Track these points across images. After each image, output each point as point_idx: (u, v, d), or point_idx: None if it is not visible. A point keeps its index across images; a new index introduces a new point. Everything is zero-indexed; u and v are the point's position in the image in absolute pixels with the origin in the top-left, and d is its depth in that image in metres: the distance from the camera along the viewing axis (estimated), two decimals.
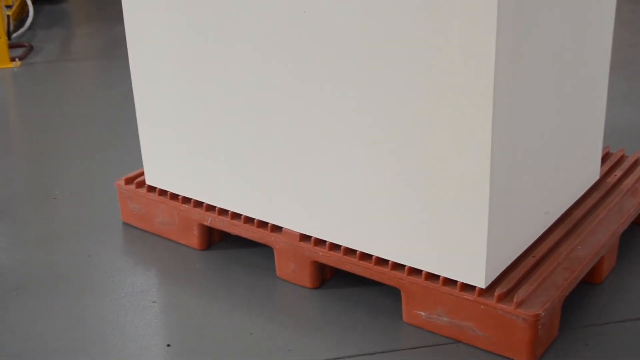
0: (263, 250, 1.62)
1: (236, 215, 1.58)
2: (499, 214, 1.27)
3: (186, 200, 1.65)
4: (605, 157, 1.75)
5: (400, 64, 1.23)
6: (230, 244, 1.67)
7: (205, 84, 1.51)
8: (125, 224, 1.77)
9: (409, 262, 1.36)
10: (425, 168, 1.27)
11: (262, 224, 1.54)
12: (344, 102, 1.33)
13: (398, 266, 1.38)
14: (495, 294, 1.27)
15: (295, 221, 1.48)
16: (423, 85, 1.22)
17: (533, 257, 1.38)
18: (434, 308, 1.34)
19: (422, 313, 1.35)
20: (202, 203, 1.62)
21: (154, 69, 1.59)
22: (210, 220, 1.60)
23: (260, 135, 1.47)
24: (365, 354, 1.31)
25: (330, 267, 1.51)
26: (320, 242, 1.46)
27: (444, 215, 1.28)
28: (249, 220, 1.55)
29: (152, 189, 1.71)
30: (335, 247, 1.45)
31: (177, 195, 1.67)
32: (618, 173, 1.67)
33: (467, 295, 1.29)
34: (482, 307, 1.28)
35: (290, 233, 1.49)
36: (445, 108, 1.21)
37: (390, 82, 1.25)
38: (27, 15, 3.56)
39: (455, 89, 1.19)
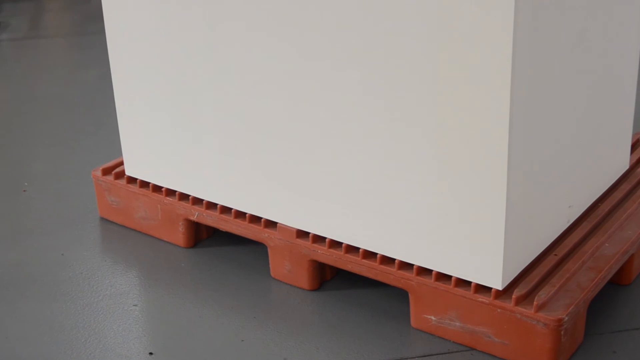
0: (256, 248, 1.62)
1: (226, 210, 1.57)
2: (518, 207, 1.27)
3: (170, 192, 1.65)
4: (635, 145, 1.75)
5: (410, 58, 1.23)
6: (220, 241, 1.67)
7: (191, 65, 1.51)
8: (103, 219, 1.77)
9: (417, 261, 1.36)
10: (436, 157, 1.27)
11: (255, 219, 1.54)
12: (350, 84, 1.32)
13: (405, 266, 1.38)
14: (513, 297, 1.27)
15: (291, 216, 1.48)
16: (438, 79, 1.22)
17: (555, 255, 1.38)
18: (445, 312, 1.34)
19: (432, 317, 1.35)
20: (188, 196, 1.62)
21: (134, 47, 1.59)
22: (197, 214, 1.60)
23: (252, 121, 1.46)
24: None
25: (331, 267, 1.51)
26: (319, 239, 1.46)
27: (456, 209, 1.28)
28: (240, 214, 1.55)
29: (132, 180, 1.71)
30: (335, 244, 1.44)
31: (160, 187, 1.66)
32: None
33: (482, 298, 1.29)
34: (499, 310, 1.28)
35: (286, 229, 1.48)
36: (460, 99, 1.21)
37: (402, 76, 1.25)
38: None
39: (471, 82, 1.19)
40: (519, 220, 1.28)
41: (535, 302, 1.25)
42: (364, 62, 1.29)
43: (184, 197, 1.63)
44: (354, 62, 1.30)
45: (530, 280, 1.31)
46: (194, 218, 1.61)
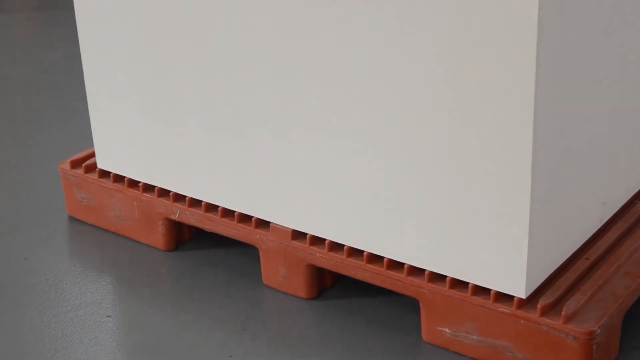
0: (246, 252, 1.62)
1: (212, 207, 1.58)
2: (543, 204, 1.27)
3: (148, 188, 1.65)
4: None
5: (426, 46, 1.24)
6: (205, 244, 1.68)
7: (172, 43, 1.51)
8: (72, 219, 1.77)
9: (429, 266, 1.36)
10: (452, 149, 1.28)
11: (245, 218, 1.54)
12: (356, 73, 1.33)
13: (416, 271, 1.38)
14: (539, 306, 1.27)
15: (286, 215, 1.48)
16: (455, 68, 1.23)
17: (586, 259, 1.38)
18: (461, 324, 1.34)
19: (447, 330, 1.36)
20: (169, 192, 1.63)
21: (107, 22, 1.59)
22: (179, 213, 1.60)
23: (242, 106, 1.47)
24: None
25: (331, 273, 1.52)
26: (317, 241, 1.47)
27: (473, 207, 1.28)
28: (227, 213, 1.56)
29: (105, 174, 1.71)
30: (336, 246, 1.45)
31: (137, 182, 1.67)
32: None
33: (503, 308, 1.29)
34: (522, 322, 1.28)
35: (280, 229, 1.49)
36: (479, 89, 1.22)
37: (419, 73, 1.26)
38: None
39: (491, 71, 1.20)
40: (545, 219, 1.28)
41: (563, 313, 1.26)
42: (366, 58, 1.29)
43: (164, 193, 1.63)
44: (357, 57, 1.30)
45: (558, 288, 1.31)
46: (175, 217, 1.61)
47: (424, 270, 1.37)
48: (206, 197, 1.57)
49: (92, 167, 1.73)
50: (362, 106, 1.33)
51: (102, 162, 1.71)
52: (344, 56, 1.32)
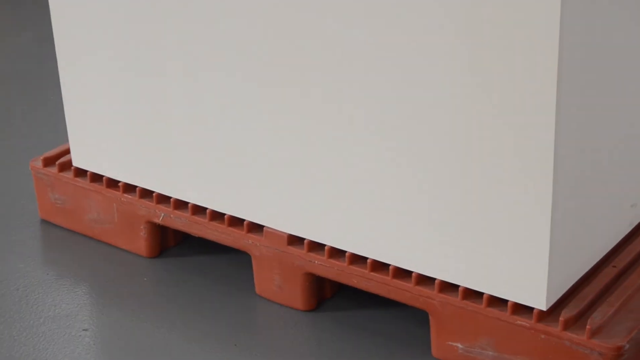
0: (237, 258, 1.62)
1: (199, 210, 1.58)
2: (566, 207, 1.27)
3: (129, 188, 1.65)
4: None
5: (442, 40, 1.24)
6: (191, 250, 1.68)
7: (157, 29, 1.51)
8: (44, 222, 1.77)
9: (440, 275, 1.36)
10: (464, 148, 1.27)
11: (236, 222, 1.54)
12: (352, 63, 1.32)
13: (425, 280, 1.38)
14: (561, 319, 1.27)
15: (281, 218, 1.48)
16: (471, 63, 1.23)
17: (614, 266, 1.38)
18: (475, 338, 1.34)
19: (459, 345, 1.36)
20: (152, 192, 1.63)
21: (83, 6, 1.58)
22: (163, 216, 1.60)
23: (232, 99, 1.47)
24: None
25: (331, 282, 1.51)
26: (316, 247, 1.47)
27: (489, 210, 1.28)
28: (217, 216, 1.56)
29: (81, 172, 1.71)
30: (337, 253, 1.45)
31: (117, 182, 1.67)
32: None
33: (521, 321, 1.30)
34: (543, 336, 1.28)
35: (275, 234, 1.49)
36: (497, 85, 1.22)
37: (432, 69, 1.26)
38: None
39: (510, 64, 1.20)
40: (568, 223, 1.28)
41: (588, 326, 1.26)
42: (371, 46, 1.30)
43: (146, 194, 1.63)
44: (363, 47, 1.30)
45: (583, 299, 1.31)
46: (159, 220, 1.61)
47: (434, 279, 1.37)
48: (193, 199, 1.57)
49: (67, 165, 1.73)
50: (371, 98, 1.33)
51: (78, 160, 1.70)
52: (347, 48, 1.32)
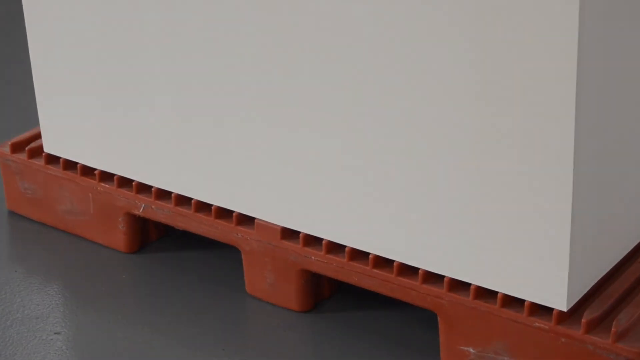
0: (225, 254, 1.63)
1: (184, 200, 1.58)
2: (589, 200, 1.27)
3: (106, 176, 1.65)
4: None
5: (455, 38, 1.25)
6: (175, 245, 1.69)
7: (141, 10, 1.51)
8: (12, 214, 1.77)
9: (450, 272, 1.36)
10: (475, 139, 1.28)
11: (224, 214, 1.54)
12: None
13: (433, 278, 1.38)
14: (583, 321, 1.28)
15: (274, 209, 1.48)
16: (484, 60, 1.24)
17: None
18: (488, 342, 1.34)
19: (471, 349, 1.36)
20: (132, 181, 1.63)
21: None
22: (144, 207, 1.60)
23: (219, 78, 1.47)
24: None
25: (329, 280, 1.52)
26: (313, 241, 1.47)
27: (503, 202, 1.28)
28: (202, 207, 1.56)
29: (53, 159, 1.71)
30: (336, 248, 1.45)
31: (93, 170, 1.67)
32: None
33: (539, 323, 1.30)
34: (564, 340, 1.29)
35: (267, 227, 1.49)
36: (515, 84, 1.23)
37: (442, 66, 1.27)
38: None
39: (527, 63, 1.21)
40: (590, 219, 1.29)
41: (613, 329, 1.26)
42: (372, 50, 1.30)
43: (125, 182, 1.63)
44: (363, 39, 1.31)
45: (607, 299, 1.31)
46: (139, 212, 1.61)
47: (443, 277, 1.37)
48: (177, 188, 1.57)
49: (38, 151, 1.73)
50: (378, 86, 1.33)
51: (50, 145, 1.70)
52: (345, 38, 1.32)
